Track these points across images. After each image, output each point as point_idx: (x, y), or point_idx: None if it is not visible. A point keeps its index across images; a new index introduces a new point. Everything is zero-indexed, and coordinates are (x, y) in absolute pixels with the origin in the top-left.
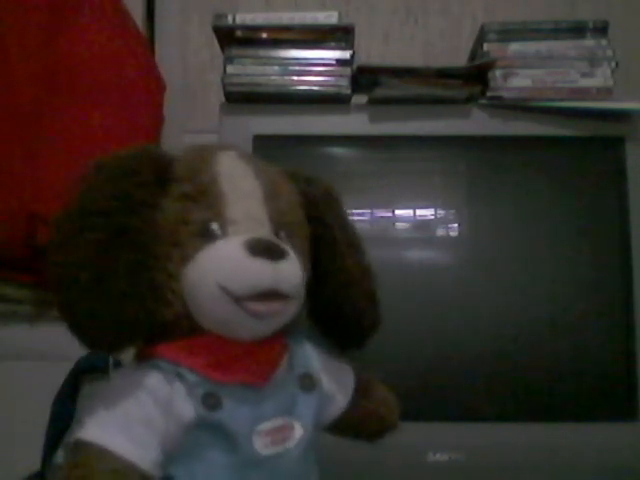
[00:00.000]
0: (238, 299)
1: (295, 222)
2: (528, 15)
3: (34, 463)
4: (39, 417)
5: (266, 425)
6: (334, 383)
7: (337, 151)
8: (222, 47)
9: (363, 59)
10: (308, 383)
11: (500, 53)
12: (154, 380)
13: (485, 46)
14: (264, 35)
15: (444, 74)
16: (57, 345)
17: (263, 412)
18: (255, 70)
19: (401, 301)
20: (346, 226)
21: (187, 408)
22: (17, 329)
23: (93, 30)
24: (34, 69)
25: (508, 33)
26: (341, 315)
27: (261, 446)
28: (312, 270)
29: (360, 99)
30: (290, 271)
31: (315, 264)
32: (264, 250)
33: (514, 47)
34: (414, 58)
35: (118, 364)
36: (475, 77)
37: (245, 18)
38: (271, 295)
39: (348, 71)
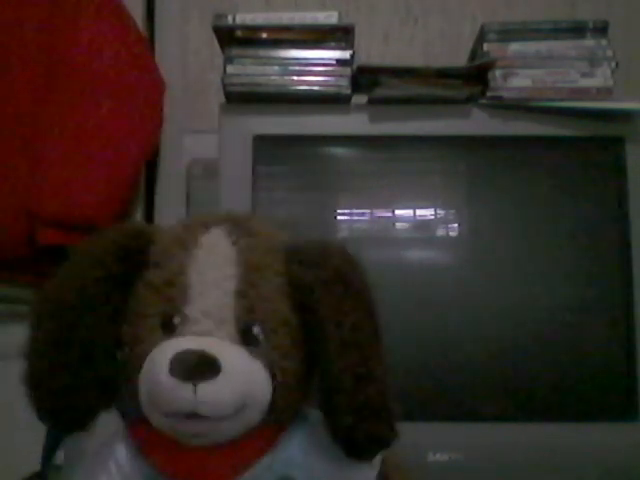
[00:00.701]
0: (165, 415)
1: (273, 317)
2: (528, 15)
3: (34, 463)
4: None
5: None
6: None
7: (337, 151)
8: (222, 47)
9: (363, 59)
10: None
11: (500, 53)
12: (121, 455)
13: (485, 46)
14: (264, 35)
15: (444, 74)
16: None
17: None
18: (255, 70)
19: (401, 301)
20: (345, 318)
21: None
22: (17, 329)
23: (93, 30)
24: (34, 69)
25: (508, 33)
26: (333, 426)
27: None
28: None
29: (360, 99)
30: (214, 393)
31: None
32: (185, 370)
33: (514, 47)
34: (414, 58)
35: None
36: (475, 77)
37: (245, 18)
38: (195, 416)
39: (348, 71)
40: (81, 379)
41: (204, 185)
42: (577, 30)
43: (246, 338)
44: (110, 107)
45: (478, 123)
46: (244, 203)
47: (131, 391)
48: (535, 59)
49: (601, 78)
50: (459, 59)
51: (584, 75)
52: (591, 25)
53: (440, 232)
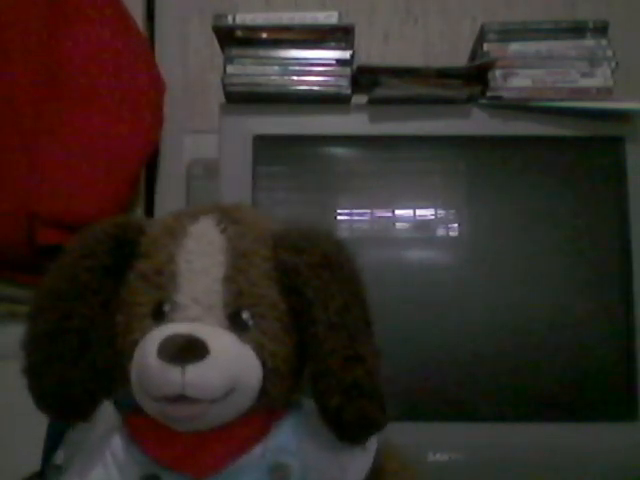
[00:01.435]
0: (154, 399)
1: (262, 302)
2: (528, 15)
3: (34, 463)
4: (39, 417)
5: None
6: (327, 473)
7: (337, 151)
8: (222, 47)
9: (363, 59)
10: (280, 475)
11: (500, 53)
12: (116, 445)
13: (485, 46)
14: (264, 35)
15: (444, 74)
16: None
17: None
18: (255, 70)
19: (401, 301)
20: (332, 301)
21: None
22: (17, 329)
23: (93, 30)
24: (34, 69)
25: (508, 33)
26: (321, 408)
27: None
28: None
29: (360, 99)
30: (202, 376)
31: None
32: (173, 353)
33: (514, 47)
34: (414, 58)
35: None
36: (475, 77)
37: (245, 18)
38: (183, 399)
39: (348, 71)
40: (78, 369)
41: (204, 185)
42: (577, 30)
43: (235, 323)
44: (110, 107)
45: (478, 123)
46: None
47: (124, 379)
48: (535, 59)
49: (601, 78)
50: (459, 59)
51: (584, 75)
52: (591, 25)
53: (440, 232)
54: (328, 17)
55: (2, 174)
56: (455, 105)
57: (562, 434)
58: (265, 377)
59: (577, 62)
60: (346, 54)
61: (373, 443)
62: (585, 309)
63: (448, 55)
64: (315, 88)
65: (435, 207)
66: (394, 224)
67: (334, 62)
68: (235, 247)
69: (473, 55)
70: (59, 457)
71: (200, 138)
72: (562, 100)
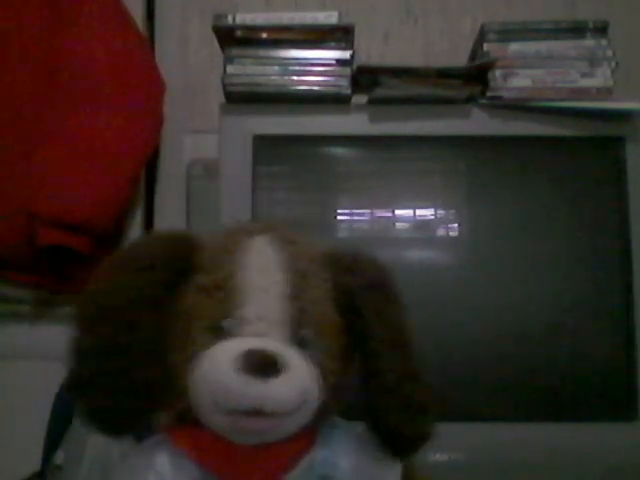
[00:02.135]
0: (227, 412)
1: (321, 320)
2: (528, 15)
3: (34, 463)
4: (39, 417)
5: None
6: None
7: (337, 151)
8: (222, 47)
9: (363, 59)
10: None
11: (500, 53)
12: (160, 462)
13: (485, 46)
14: (264, 35)
15: (444, 74)
16: (57, 345)
17: None
18: (255, 70)
19: None
20: (387, 320)
21: None
22: (17, 329)
23: (93, 30)
24: (34, 69)
25: (508, 33)
26: (379, 423)
27: None
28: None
29: (360, 99)
30: (282, 390)
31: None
32: (254, 367)
33: (514, 47)
34: (414, 58)
35: None
36: (475, 77)
37: (245, 18)
38: (260, 413)
39: (348, 71)
40: (132, 382)
41: (204, 185)
42: (577, 30)
43: (296, 340)
44: (110, 107)
45: (478, 123)
46: (244, 203)
47: (177, 394)
48: (535, 59)
49: (601, 78)
50: (459, 59)
51: (584, 75)
52: (591, 25)
53: (440, 232)
54: (328, 17)
55: (2, 174)
56: (455, 105)
57: (562, 434)
58: (323, 392)
59: (577, 62)
60: (346, 54)
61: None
62: (585, 309)
63: (448, 55)
64: (315, 88)
65: (435, 207)
66: (394, 224)
67: (334, 62)
68: (293, 266)
69: (473, 55)
70: (59, 457)
71: (200, 138)
72: (562, 100)
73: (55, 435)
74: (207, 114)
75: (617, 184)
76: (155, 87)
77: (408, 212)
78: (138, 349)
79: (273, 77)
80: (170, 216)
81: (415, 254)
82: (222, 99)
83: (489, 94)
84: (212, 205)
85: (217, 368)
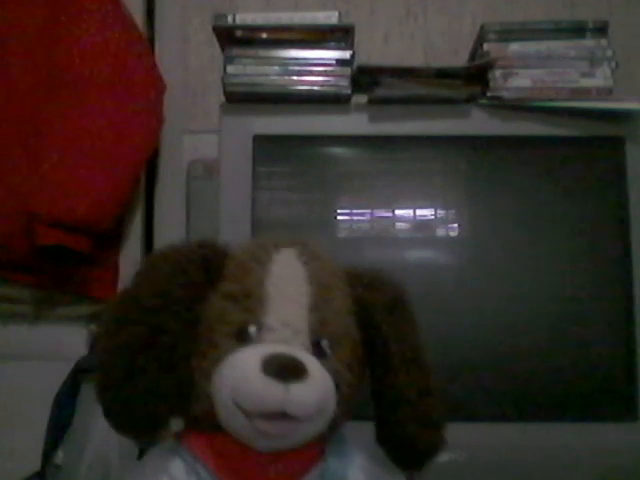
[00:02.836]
0: (248, 415)
1: (340, 332)
2: (528, 15)
3: (34, 463)
4: (39, 417)
5: None
6: None
7: (337, 151)
8: (222, 47)
9: (363, 59)
10: None
11: (500, 53)
12: (175, 468)
13: (485, 46)
14: (264, 35)
15: (444, 74)
16: (57, 345)
17: None
18: (255, 70)
19: None
20: (406, 338)
21: None
22: (17, 329)
23: (93, 30)
24: (34, 70)
25: (508, 33)
26: (393, 435)
27: None
28: (371, 379)
29: (360, 99)
30: (304, 394)
31: (372, 374)
32: (278, 370)
33: (514, 47)
34: (414, 58)
35: None
36: (475, 77)
37: (245, 18)
38: (281, 416)
39: (348, 71)
40: (161, 384)
41: (204, 185)
42: (577, 30)
43: (316, 350)
44: (110, 108)
45: (478, 123)
46: (244, 203)
47: (196, 399)
48: (535, 59)
49: (601, 78)
50: (459, 59)
51: (584, 75)
52: (591, 25)
53: (440, 232)
54: (328, 17)
55: (2, 174)
56: (455, 105)
57: (562, 434)
58: (337, 402)
59: (577, 62)
60: (346, 54)
61: None
62: (585, 309)
63: (448, 55)
64: (315, 88)
65: (435, 207)
66: (394, 224)
67: (334, 62)
68: (317, 279)
69: (473, 55)
70: (59, 457)
71: (200, 138)
72: (562, 100)
73: (55, 435)
74: (207, 114)
75: (617, 184)
76: (155, 87)
77: (408, 212)
78: (167, 351)
79: (273, 77)
80: (170, 216)
81: (415, 254)
82: (222, 99)
83: (489, 94)
84: (212, 205)
85: (243, 370)
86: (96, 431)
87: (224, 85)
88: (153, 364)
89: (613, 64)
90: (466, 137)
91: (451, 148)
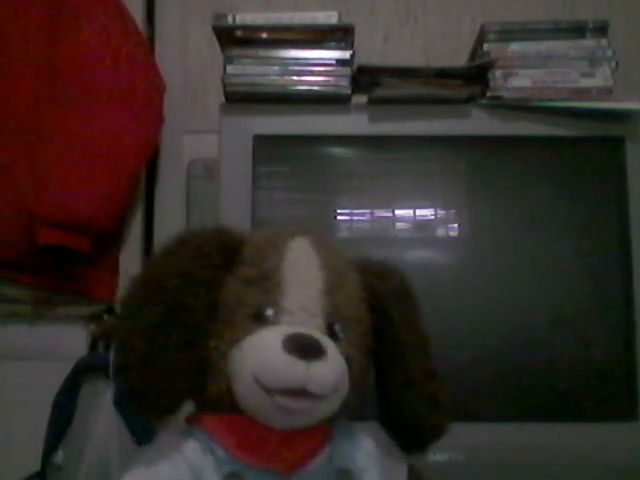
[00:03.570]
0: (269, 391)
1: (352, 316)
2: (528, 15)
3: (34, 463)
4: (39, 417)
5: None
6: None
7: (337, 151)
8: (222, 47)
9: (363, 59)
10: (345, 479)
11: (500, 53)
12: (190, 448)
13: (485, 46)
14: (264, 35)
15: (444, 74)
16: (57, 345)
17: None
18: (255, 70)
19: None
20: (413, 325)
21: None
22: (17, 329)
23: (93, 31)
24: (35, 70)
25: (508, 33)
26: (401, 417)
27: None
28: (376, 364)
29: (360, 99)
30: (324, 372)
31: (378, 359)
32: (300, 348)
33: (514, 47)
34: (414, 58)
35: None
36: (475, 77)
37: (245, 18)
38: (301, 393)
39: (348, 71)
40: (181, 363)
41: (204, 185)
42: (577, 30)
43: (329, 332)
44: (110, 108)
45: (478, 123)
46: (244, 203)
47: (212, 380)
48: (535, 59)
49: (601, 78)
50: (459, 59)
51: (584, 75)
52: (591, 25)
53: (440, 232)
54: (328, 17)
55: (2, 174)
56: (455, 105)
57: (562, 434)
58: (349, 385)
59: (577, 62)
60: (346, 54)
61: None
62: (585, 309)
63: (448, 55)
64: (315, 88)
65: (435, 207)
66: (394, 224)
67: (334, 62)
68: (330, 266)
69: (473, 55)
70: (59, 457)
71: (200, 138)
72: (562, 100)
73: (55, 435)
74: (207, 114)
75: (617, 184)
76: (155, 87)
77: (408, 212)
78: (187, 331)
79: (273, 77)
80: (170, 216)
81: (415, 254)
82: (222, 99)
83: (489, 94)
84: (212, 205)
85: (266, 348)
86: (96, 431)
87: (224, 85)
88: (174, 343)
89: (613, 64)
90: (466, 137)
91: (451, 148)
